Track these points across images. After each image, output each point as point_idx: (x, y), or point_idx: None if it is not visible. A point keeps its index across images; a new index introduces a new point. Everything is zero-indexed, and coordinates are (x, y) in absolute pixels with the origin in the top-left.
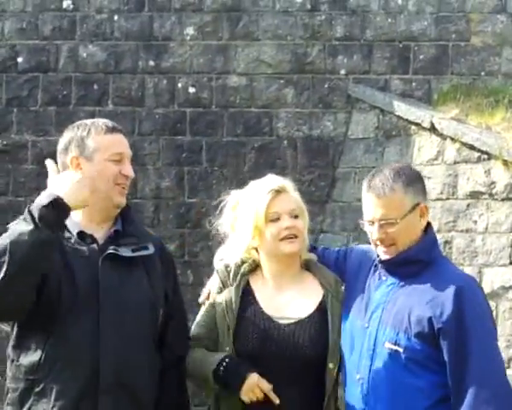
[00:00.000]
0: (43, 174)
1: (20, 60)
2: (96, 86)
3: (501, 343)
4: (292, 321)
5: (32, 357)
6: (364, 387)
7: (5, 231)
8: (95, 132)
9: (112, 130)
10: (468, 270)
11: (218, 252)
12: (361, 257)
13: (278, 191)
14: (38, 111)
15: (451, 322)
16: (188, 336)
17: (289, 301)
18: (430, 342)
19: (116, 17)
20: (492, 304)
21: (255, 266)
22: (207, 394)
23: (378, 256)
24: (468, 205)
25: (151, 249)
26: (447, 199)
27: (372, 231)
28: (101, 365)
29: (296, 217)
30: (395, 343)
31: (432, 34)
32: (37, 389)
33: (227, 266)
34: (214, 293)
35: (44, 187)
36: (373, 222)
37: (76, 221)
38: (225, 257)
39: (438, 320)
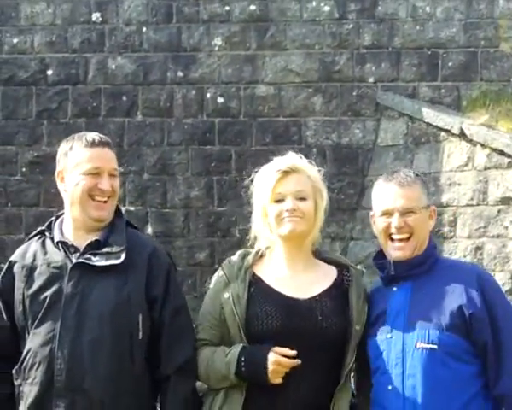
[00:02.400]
0: None
1: (49, 72)
2: (125, 98)
3: None
4: (307, 296)
5: (16, 365)
6: (400, 394)
7: None
8: (76, 146)
9: (92, 144)
10: (499, 276)
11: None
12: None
13: (286, 172)
14: (68, 123)
15: (481, 306)
16: (189, 340)
17: (303, 281)
18: (462, 333)
19: (144, 29)
20: None
21: (260, 256)
22: (217, 387)
23: (387, 266)
24: (498, 211)
25: (121, 258)
26: (478, 205)
27: (388, 222)
28: (55, 370)
29: (303, 199)
30: (428, 341)
31: (460, 41)
32: (16, 394)
33: (230, 261)
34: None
35: None
36: (392, 212)
37: (64, 231)
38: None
39: (468, 307)
